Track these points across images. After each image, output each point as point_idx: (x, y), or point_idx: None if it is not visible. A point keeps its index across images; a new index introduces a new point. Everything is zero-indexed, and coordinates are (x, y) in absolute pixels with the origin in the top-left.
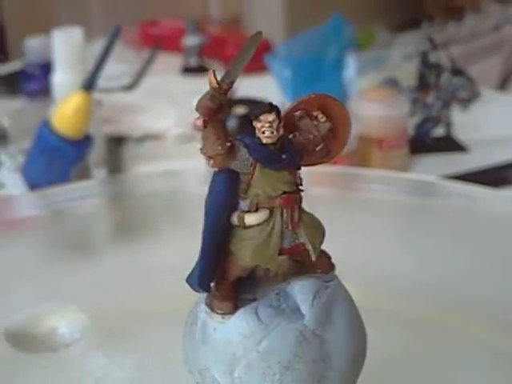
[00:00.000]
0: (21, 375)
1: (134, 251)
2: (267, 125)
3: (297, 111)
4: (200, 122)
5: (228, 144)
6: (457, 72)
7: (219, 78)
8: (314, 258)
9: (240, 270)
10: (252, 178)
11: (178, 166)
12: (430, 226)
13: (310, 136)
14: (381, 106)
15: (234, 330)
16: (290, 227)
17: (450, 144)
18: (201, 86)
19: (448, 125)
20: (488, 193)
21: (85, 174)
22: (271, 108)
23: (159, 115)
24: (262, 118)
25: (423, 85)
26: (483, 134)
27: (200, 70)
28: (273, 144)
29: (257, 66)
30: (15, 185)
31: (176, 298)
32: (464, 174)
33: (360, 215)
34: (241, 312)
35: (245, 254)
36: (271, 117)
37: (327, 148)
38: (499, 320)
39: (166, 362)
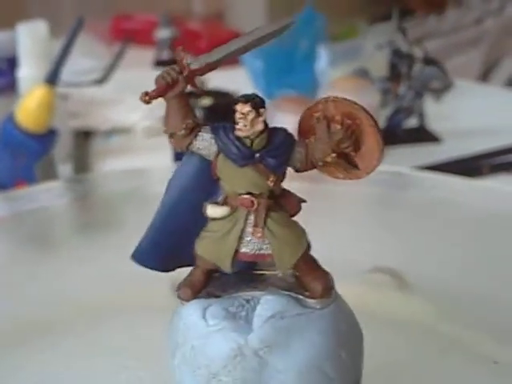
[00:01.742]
0: None
1: (101, 249)
2: (240, 116)
3: (317, 112)
4: (143, 96)
5: (187, 124)
6: (429, 62)
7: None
8: (280, 275)
9: (201, 260)
10: (216, 167)
11: (146, 160)
12: (403, 218)
13: (320, 143)
14: (350, 97)
15: (183, 318)
16: (252, 233)
17: (422, 135)
18: None
19: (421, 115)
20: (462, 183)
21: (50, 169)
22: (247, 99)
23: (129, 109)
24: (237, 107)
25: (395, 75)
26: (457, 124)
27: (172, 63)
28: (248, 138)
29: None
30: None
31: (142, 294)
32: (437, 164)
33: (332, 208)
34: (193, 302)
35: (199, 245)
36: (245, 108)
37: (348, 161)
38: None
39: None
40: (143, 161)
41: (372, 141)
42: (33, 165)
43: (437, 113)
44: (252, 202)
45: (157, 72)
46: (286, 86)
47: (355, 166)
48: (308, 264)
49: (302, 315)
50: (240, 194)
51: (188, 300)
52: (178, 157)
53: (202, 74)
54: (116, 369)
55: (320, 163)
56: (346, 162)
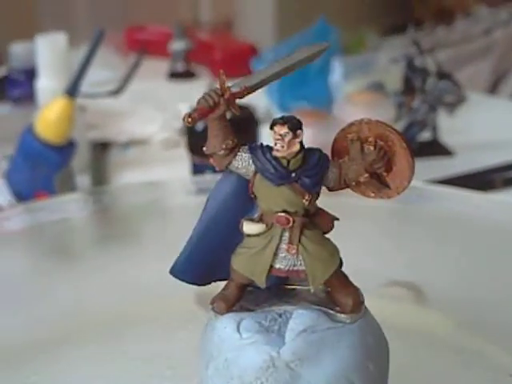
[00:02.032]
0: None
1: (119, 261)
2: (278, 137)
3: (351, 133)
4: (186, 117)
5: (227, 145)
6: (443, 76)
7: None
8: (312, 290)
9: (236, 275)
10: (253, 186)
11: (163, 172)
12: (417, 231)
13: (353, 163)
14: (365, 110)
15: (217, 330)
16: (287, 250)
17: (436, 148)
18: (187, 90)
19: (434, 129)
20: (476, 197)
21: (69, 180)
22: (284, 121)
23: (145, 120)
24: (275, 128)
25: (409, 89)
26: (469, 138)
27: (187, 75)
28: (284, 158)
29: (243, 71)
30: None
31: (159, 305)
32: (450, 178)
33: (346, 221)
34: (227, 316)
35: (234, 261)
36: (283, 130)
37: (380, 181)
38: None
39: (145, 363)
40: (160, 173)
41: (403, 162)
42: (52, 176)
43: (449, 126)
44: (288, 219)
45: (171, 84)
46: (300, 99)
47: (386, 186)
48: (339, 280)
49: (333, 329)
50: (276, 212)
51: (222, 313)
52: (196, 169)
53: (241, 97)
54: (142, 378)
55: (353, 183)
56: (378, 181)
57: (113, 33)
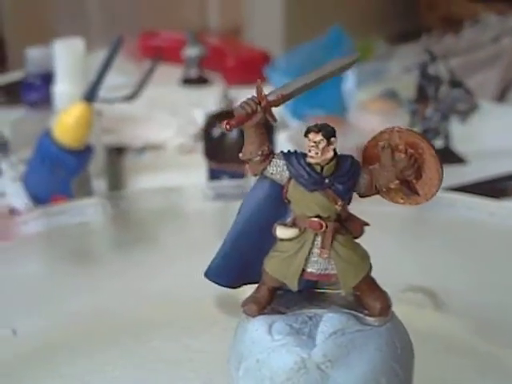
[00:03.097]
0: None
1: (136, 265)
2: (312, 144)
3: (382, 141)
4: (224, 124)
5: (262, 151)
6: (456, 84)
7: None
8: (343, 294)
9: (266, 278)
10: (287, 191)
11: (178, 177)
12: (431, 238)
13: (385, 170)
14: (379, 118)
15: (248, 332)
16: (319, 254)
17: (448, 156)
18: (201, 96)
19: (447, 137)
20: (489, 204)
21: (85, 185)
22: (319, 129)
23: (160, 126)
24: (309, 136)
25: (422, 97)
26: (482, 146)
27: (200, 81)
28: (318, 164)
29: (256, 78)
30: (16, 194)
31: (179, 309)
32: (463, 186)
33: None
34: (259, 318)
35: (267, 264)
36: (317, 137)
37: (408, 187)
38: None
39: (169, 366)
40: (175, 178)
41: (433, 169)
42: (70, 180)
43: (462, 134)
44: (321, 224)
45: (185, 90)
46: (314, 107)
47: (416, 193)
48: (368, 284)
49: (361, 332)
50: (309, 217)
51: (254, 315)
52: (213, 175)
53: (277, 106)
54: (165, 381)
55: (384, 189)
56: (408, 188)
57: (127, 39)
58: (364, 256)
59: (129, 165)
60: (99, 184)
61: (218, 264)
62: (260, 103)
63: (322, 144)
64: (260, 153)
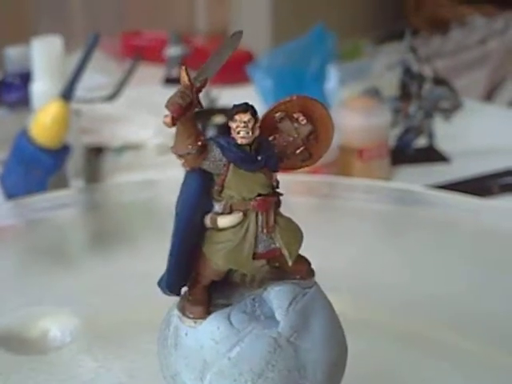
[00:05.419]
0: (10, 378)
1: (113, 259)
2: (242, 125)
3: (277, 113)
4: (168, 119)
5: (199, 143)
6: (439, 82)
7: (193, 75)
8: (290, 264)
9: (213, 273)
10: (225, 179)
11: (157, 177)
12: (414, 236)
13: (289, 138)
14: (362, 116)
15: (206, 335)
16: (264, 231)
17: (432, 154)
18: None
19: (430, 135)
20: (474, 202)
21: (62, 184)
22: (246, 108)
23: (139, 125)
24: (236, 117)
25: (405, 95)
26: (465, 144)
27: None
28: (248, 145)
29: (239, 77)
30: None
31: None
32: (446, 184)
33: (341, 224)
34: (213, 317)
35: (217, 258)
36: (246, 117)
37: (308, 151)
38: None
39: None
40: (154, 177)
41: (328, 128)
42: (46, 179)
43: (446, 133)
44: (270, 202)
45: (166, 89)
46: None
47: (310, 155)
48: None
49: (306, 295)
50: (249, 199)
51: (204, 317)
52: None
53: (201, 91)
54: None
55: (287, 158)
56: (308, 152)
57: (108, 38)
58: (294, 221)
59: (107, 164)
60: (77, 184)
61: (168, 276)
62: (197, 91)
63: (252, 122)
64: (200, 144)
